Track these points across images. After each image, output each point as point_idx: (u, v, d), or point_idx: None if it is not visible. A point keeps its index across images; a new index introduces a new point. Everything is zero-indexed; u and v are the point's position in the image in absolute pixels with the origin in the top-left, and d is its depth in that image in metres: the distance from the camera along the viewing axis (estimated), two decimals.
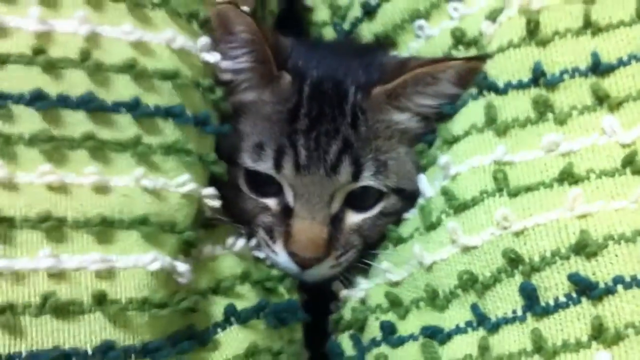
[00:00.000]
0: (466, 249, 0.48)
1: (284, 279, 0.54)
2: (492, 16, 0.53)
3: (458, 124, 0.51)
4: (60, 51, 0.46)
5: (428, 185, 0.52)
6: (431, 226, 0.51)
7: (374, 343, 0.51)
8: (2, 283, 0.41)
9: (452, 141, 0.51)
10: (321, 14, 0.65)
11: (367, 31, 0.61)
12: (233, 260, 0.52)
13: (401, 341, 0.50)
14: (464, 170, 0.49)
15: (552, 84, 0.49)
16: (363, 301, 0.54)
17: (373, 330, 0.52)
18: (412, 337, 0.49)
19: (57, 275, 0.42)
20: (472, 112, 0.51)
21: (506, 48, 0.50)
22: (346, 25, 0.63)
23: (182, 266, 0.47)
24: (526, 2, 0.50)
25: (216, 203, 0.51)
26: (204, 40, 0.51)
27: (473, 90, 0.51)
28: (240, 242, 0.53)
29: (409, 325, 0.50)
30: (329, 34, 0.65)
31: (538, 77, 0.49)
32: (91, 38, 0.47)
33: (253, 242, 0.55)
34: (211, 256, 0.51)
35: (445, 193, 0.50)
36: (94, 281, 0.43)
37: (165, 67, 0.48)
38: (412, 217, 0.54)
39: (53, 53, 0.45)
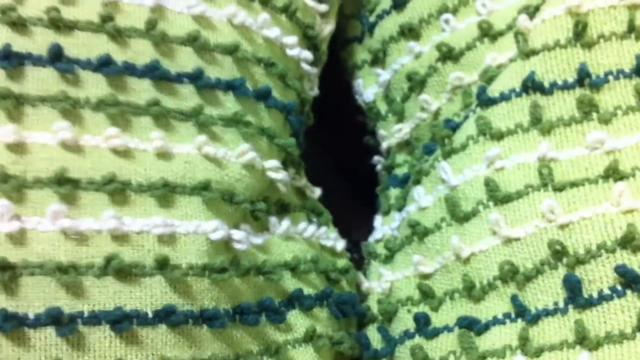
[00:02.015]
0: (508, 241, 0.48)
1: (348, 271, 0.55)
2: (529, 10, 0.53)
3: (502, 121, 0.52)
4: (127, 20, 0.47)
5: (452, 173, 0.53)
6: (465, 217, 0.51)
7: (407, 335, 0.51)
8: (67, 243, 0.41)
9: (498, 137, 0.51)
10: (349, 7, 0.65)
11: (393, 23, 0.61)
12: (304, 245, 0.53)
13: (436, 332, 0.50)
14: (509, 165, 0.50)
15: (597, 85, 0.50)
16: (387, 293, 0.55)
17: (405, 322, 0.52)
18: (447, 328, 0.50)
19: (121, 237, 0.43)
20: (516, 110, 0.51)
21: (552, 48, 0.51)
22: (372, 18, 0.63)
23: (238, 234, 0.47)
24: (575, 4, 0.51)
25: (279, 175, 0.51)
26: (264, 16, 0.52)
27: (516, 87, 0.52)
28: (311, 229, 0.54)
29: (443, 316, 0.50)
30: (354, 26, 0.65)
31: (583, 78, 0.50)
32: (156, 9, 0.48)
33: (322, 230, 0.55)
34: (286, 235, 0.52)
35: (487, 184, 0.50)
36: (156, 245, 0.43)
37: (225, 41, 0.49)
38: (430, 206, 0.54)
39: (120, 22, 0.46)
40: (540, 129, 0.50)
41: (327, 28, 0.60)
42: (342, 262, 0.55)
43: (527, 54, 0.52)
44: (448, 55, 0.57)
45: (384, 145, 0.62)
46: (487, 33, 0.55)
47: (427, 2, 0.59)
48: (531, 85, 0.51)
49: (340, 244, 0.56)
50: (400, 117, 0.61)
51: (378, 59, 0.62)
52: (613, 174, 0.47)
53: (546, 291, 0.46)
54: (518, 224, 0.48)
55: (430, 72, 0.58)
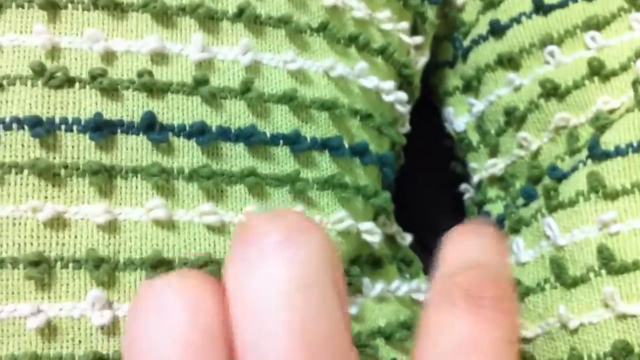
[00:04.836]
0: (623, 317, 0.44)
1: None
2: None
3: (616, 178, 0.48)
4: (221, 81, 0.43)
5: (559, 231, 0.49)
6: (573, 283, 0.47)
7: None
8: None
9: (613, 196, 0.47)
10: (442, 28, 0.61)
11: (490, 50, 0.57)
12: (397, 305, 0.50)
13: None
14: (626, 230, 0.46)
15: None
16: None
17: None
18: None
19: None
20: (634, 168, 0.47)
21: None
22: (466, 42, 0.59)
23: None
24: None
25: (375, 238, 0.48)
26: (362, 65, 0.48)
27: (633, 141, 0.47)
28: (404, 287, 0.51)
29: None
30: (446, 49, 0.61)
31: None
32: (252, 67, 0.44)
33: (414, 284, 0.52)
34: (379, 297, 0.49)
35: (601, 251, 0.46)
36: None
37: (323, 97, 0.46)
38: (531, 261, 0.50)
39: (214, 83, 0.43)
40: None
41: (421, 61, 0.56)
42: None
43: None
44: (552, 92, 0.53)
45: (475, 178, 0.59)
46: (598, 72, 0.51)
47: (529, 30, 0.55)
48: None
49: None
50: (495, 151, 0.57)
51: (471, 87, 0.59)
52: None
53: None
54: (635, 299, 0.44)
55: (531, 108, 0.54)
